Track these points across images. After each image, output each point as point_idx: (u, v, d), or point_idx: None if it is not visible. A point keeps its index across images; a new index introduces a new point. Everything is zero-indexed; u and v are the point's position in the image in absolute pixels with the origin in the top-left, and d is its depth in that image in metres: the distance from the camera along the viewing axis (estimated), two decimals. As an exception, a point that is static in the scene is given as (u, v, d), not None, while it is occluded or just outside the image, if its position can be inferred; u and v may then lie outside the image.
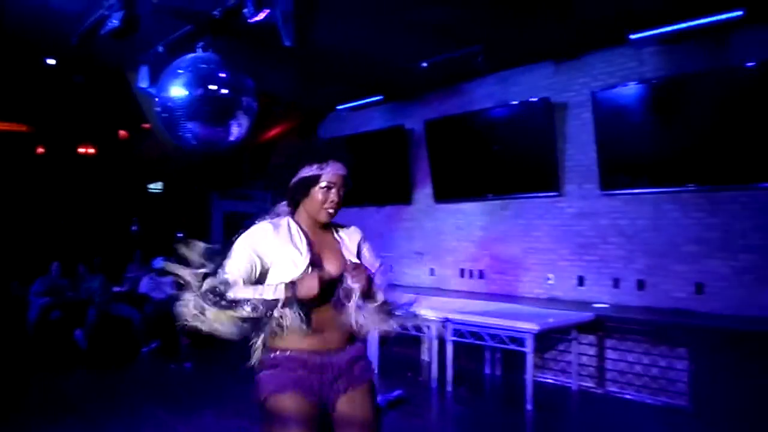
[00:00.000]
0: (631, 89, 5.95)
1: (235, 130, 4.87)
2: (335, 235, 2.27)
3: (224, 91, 4.81)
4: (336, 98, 8.64)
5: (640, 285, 6.04)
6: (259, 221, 2.17)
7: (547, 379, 5.97)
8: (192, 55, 5.17)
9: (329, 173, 2.10)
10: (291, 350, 2.08)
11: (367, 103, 8.54)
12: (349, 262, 2.15)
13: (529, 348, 5.03)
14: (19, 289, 7.62)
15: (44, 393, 5.70)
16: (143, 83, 6.18)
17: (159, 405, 5.15)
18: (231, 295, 1.95)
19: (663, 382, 5.19)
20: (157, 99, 5.19)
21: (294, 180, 2.12)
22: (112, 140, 10.28)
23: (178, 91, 4.84)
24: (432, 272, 8.07)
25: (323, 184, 2.10)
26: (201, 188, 11.08)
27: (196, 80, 4.81)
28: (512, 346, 5.18)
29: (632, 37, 5.56)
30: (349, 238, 2.29)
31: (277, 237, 2.09)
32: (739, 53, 5.36)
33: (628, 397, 5.40)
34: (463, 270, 7.73)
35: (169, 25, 5.67)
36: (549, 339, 5.82)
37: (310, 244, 2.14)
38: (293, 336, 2.03)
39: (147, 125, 8.45)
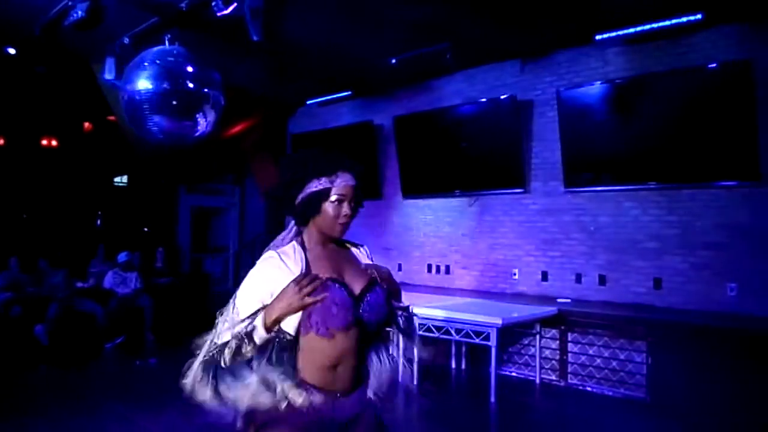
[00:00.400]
0: (595, 88, 6.07)
1: (202, 124, 4.84)
2: (350, 250, 2.10)
3: (191, 84, 4.77)
4: (305, 93, 8.62)
5: (602, 280, 6.19)
6: (268, 250, 1.96)
7: (511, 372, 6.08)
8: (158, 47, 5.12)
9: (340, 185, 1.91)
10: (302, 383, 1.83)
11: (336, 98, 8.54)
12: (371, 269, 2.00)
13: (493, 342, 5.11)
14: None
15: (4, 390, 5.59)
16: (108, 75, 6.09)
17: (123, 401, 5.10)
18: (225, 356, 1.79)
19: (622, 374, 5.33)
20: (122, 91, 5.12)
21: (302, 196, 1.92)
22: (76, 132, 10.08)
23: (143, 83, 4.79)
24: (400, 267, 8.12)
25: (334, 197, 1.90)
26: (168, 182, 10.94)
27: (163, 73, 4.75)
28: (477, 341, 5.25)
29: (598, 37, 5.69)
30: (361, 256, 2.11)
31: (284, 269, 1.87)
32: (701, 55, 5.53)
33: (589, 389, 5.52)
34: (431, 265, 7.81)
35: (134, 16, 5.60)
36: (513, 333, 5.92)
37: (331, 261, 1.96)
38: (306, 370, 1.84)
39: (112, 117, 8.32)
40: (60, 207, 9.87)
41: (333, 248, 2.01)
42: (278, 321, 1.78)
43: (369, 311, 1.88)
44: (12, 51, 6.62)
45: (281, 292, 1.78)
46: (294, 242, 1.98)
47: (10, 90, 8.44)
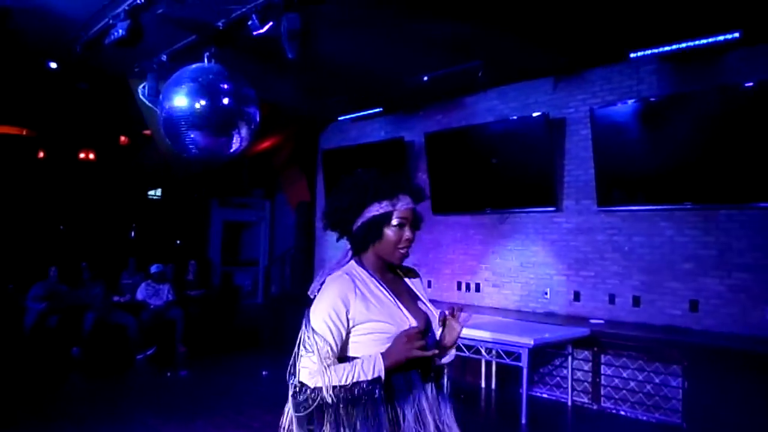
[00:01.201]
0: (629, 107, 6.01)
1: (237, 140, 4.91)
2: (404, 279, 2.00)
3: (227, 101, 4.85)
4: (337, 109, 8.70)
5: (636, 301, 6.08)
6: (326, 275, 1.86)
7: (542, 393, 5.98)
8: (196, 65, 5.22)
9: (401, 209, 1.84)
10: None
11: (367, 114, 8.60)
12: (440, 313, 1.91)
13: (524, 362, 5.05)
14: (16, 293, 7.62)
15: (39, 399, 5.70)
16: (146, 91, 6.22)
17: (152, 413, 5.15)
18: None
19: (657, 399, 5.21)
20: (160, 108, 5.23)
21: (362, 221, 1.83)
22: (113, 146, 10.33)
23: (181, 100, 4.88)
24: (429, 284, 8.09)
25: (395, 222, 1.82)
26: (200, 196, 11.11)
27: (200, 90, 4.84)
28: (507, 361, 5.19)
29: (632, 55, 5.63)
30: (416, 282, 2.03)
31: (357, 292, 1.79)
32: (736, 73, 5.43)
33: (622, 413, 5.40)
34: (460, 283, 7.76)
35: (173, 34, 5.73)
36: (544, 354, 5.83)
37: (392, 291, 1.87)
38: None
39: (148, 132, 8.50)
40: (95, 219, 10.08)
41: (391, 278, 1.93)
42: (389, 369, 1.72)
43: (432, 338, 1.88)
44: (53, 65, 6.81)
45: (395, 342, 1.73)
46: (354, 265, 1.89)
47: (52, 105, 8.69)
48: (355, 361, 1.73)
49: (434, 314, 1.94)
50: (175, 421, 4.92)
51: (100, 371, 6.75)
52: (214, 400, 5.58)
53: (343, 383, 1.68)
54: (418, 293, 1.97)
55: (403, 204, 1.85)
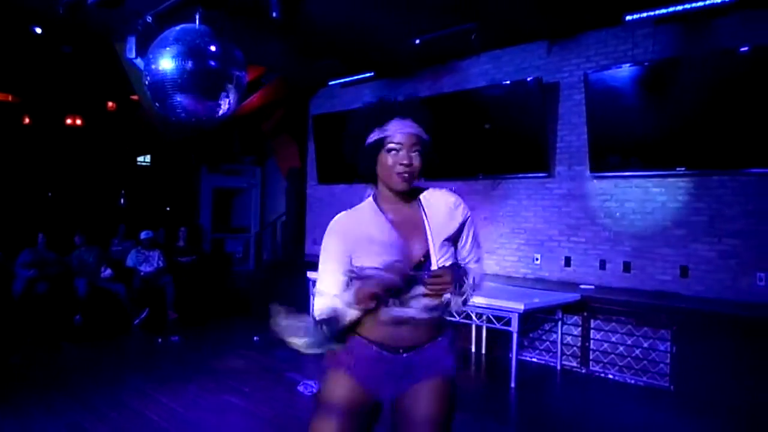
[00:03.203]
0: (624, 71, 5.93)
1: (225, 103, 4.82)
2: (423, 208, 1.92)
3: (214, 63, 4.74)
4: (327, 74, 8.55)
5: (626, 267, 6.10)
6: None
7: (532, 358, 6.04)
8: (182, 26, 5.09)
9: (392, 132, 1.81)
10: (364, 338, 1.88)
11: (358, 79, 8.45)
12: (428, 269, 1.85)
13: (514, 327, 5.07)
14: (4, 260, 7.56)
15: (28, 365, 5.71)
16: (131, 54, 6.08)
17: (144, 378, 5.16)
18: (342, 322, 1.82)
19: (645, 363, 5.26)
20: (145, 71, 5.11)
21: (361, 155, 1.87)
22: (100, 111, 10.16)
23: (167, 63, 4.77)
24: (420, 251, 8.07)
25: (388, 146, 1.81)
26: (190, 162, 11.01)
27: (186, 52, 4.73)
28: (498, 326, 5.22)
29: (628, 18, 5.53)
30: (442, 211, 1.91)
31: (353, 224, 1.88)
32: (732, 38, 5.35)
33: (610, 377, 5.47)
34: (452, 249, 7.76)
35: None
36: (534, 319, 5.87)
37: (391, 222, 1.88)
38: (368, 325, 1.87)
39: (135, 97, 8.35)
40: (84, 185, 9.98)
41: (402, 208, 1.91)
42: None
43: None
44: (38, 30, 6.64)
45: (356, 291, 1.77)
46: (369, 200, 1.93)
47: (36, 69, 8.51)
48: (337, 295, 1.83)
49: (436, 249, 1.87)
50: (168, 386, 4.93)
51: (92, 337, 6.74)
52: (205, 365, 5.60)
53: (315, 315, 1.85)
54: (428, 224, 1.89)
55: (396, 128, 1.82)
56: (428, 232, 1.87)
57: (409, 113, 1.85)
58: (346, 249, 1.86)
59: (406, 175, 1.81)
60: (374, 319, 1.84)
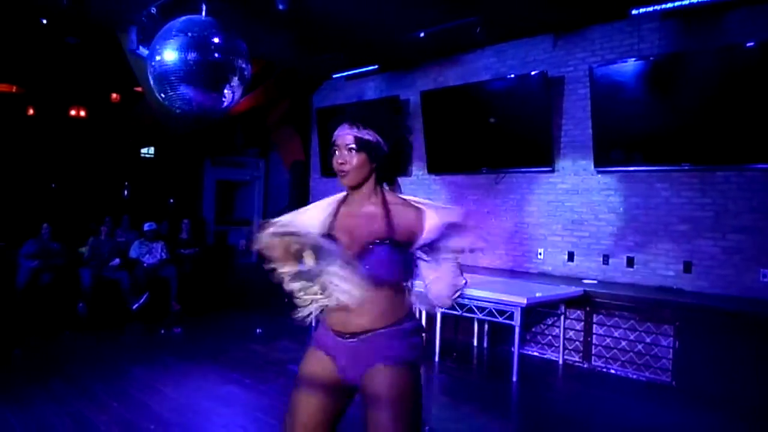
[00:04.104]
0: (629, 65, 5.90)
1: (228, 95, 4.81)
2: (385, 208, 2.04)
3: (218, 55, 4.73)
4: (331, 66, 8.53)
5: (630, 262, 6.08)
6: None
7: (534, 352, 6.03)
8: (186, 17, 5.08)
9: (335, 136, 2.05)
10: (325, 323, 2.09)
11: (362, 72, 8.44)
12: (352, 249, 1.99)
13: (516, 321, 5.07)
14: (8, 250, 7.57)
15: (31, 356, 5.72)
16: (133, 45, 6.08)
17: (147, 369, 5.18)
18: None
19: (648, 358, 5.26)
20: (149, 62, 5.11)
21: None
22: (104, 103, 10.15)
23: (171, 54, 4.76)
24: (423, 244, 8.06)
25: (333, 148, 2.06)
26: (193, 154, 11.00)
27: (190, 44, 4.72)
28: (500, 320, 5.21)
29: (634, 12, 5.51)
30: (404, 216, 2.01)
31: (317, 206, 2.14)
32: (738, 33, 5.33)
33: (612, 371, 5.46)
34: (455, 243, 7.73)
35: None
36: (537, 313, 5.87)
37: (337, 214, 2.09)
38: (326, 312, 2.05)
39: (139, 88, 8.34)
40: (87, 177, 9.98)
41: (362, 205, 2.07)
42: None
43: (371, 267, 1.94)
44: (44, 21, 6.62)
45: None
46: (341, 195, 2.15)
47: (41, 60, 8.50)
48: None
49: (374, 249, 1.98)
50: (170, 376, 4.95)
51: (95, 327, 6.76)
52: (208, 357, 5.60)
53: None
54: (378, 225, 2.00)
55: (339, 131, 2.05)
56: (370, 232, 1.99)
57: (357, 118, 2.04)
58: (296, 220, 2.10)
59: (342, 172, 2.02)
60: (329, 307, 1.99)
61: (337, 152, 2.04)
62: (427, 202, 2.05)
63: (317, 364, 2.05)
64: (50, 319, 6.82)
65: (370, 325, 1.97)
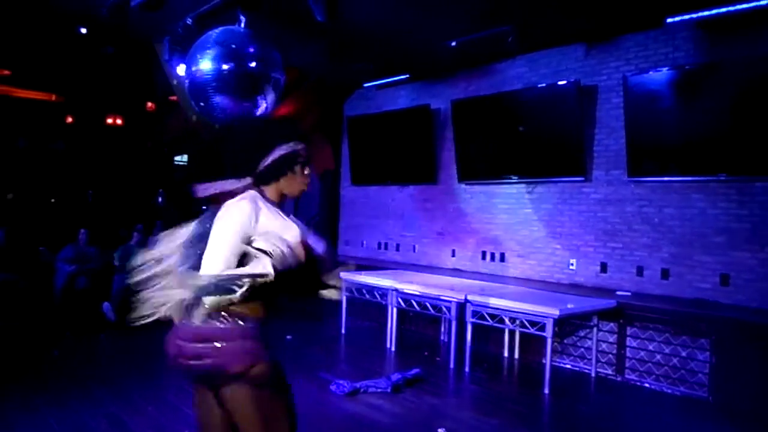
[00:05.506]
0: (663, 74, 5.82)
1: (263, 105, 4.87)
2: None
3: (253, 65, 4.79)
4: (362, 75, 8.59)
5: (665, 274, 5.98)
6: (228, 201, 2.18)
7: (566, 364, 5.96)
8: (221, 28, 5.16)
9: (303, 148, 2.25)
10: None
11: (393, 81, 8.48)
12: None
13: (548, 333, 5.02)
14: (48, 255, 7.77)
15: (69, 357, 5.85)
16: (166, 56, 6.20)
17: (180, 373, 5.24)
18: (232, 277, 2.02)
19: (683, 372, 5.16)
20: (185, 72, 5.20)
21: (272, 158, 2.22)
22: (140, 112, 10.38)
23: (207, 64, 4.83)
24: (453, 253, 8.06)
25: (301, 159, 2.25)
26: (225, 162, 11.14)
27: (225, 54, 4.79)
28: (532, 330, 5.17)
29: (669, 20, 5.45)
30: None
31: (261, 214, 2.13)
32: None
33: (647, 385, 5.37)
34: (485, 252, 7.71)
35: (198, -3, 5.68)
36: (569, 324, 5.80)
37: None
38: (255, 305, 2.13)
39: (174, 97, 8.50)
40: (123, 184, 10.20)
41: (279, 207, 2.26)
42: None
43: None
44: (83, 31, 6.80)
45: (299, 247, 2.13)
46: (257, 196, 2.18)
47: (79, 70, 8.73)
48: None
49: None
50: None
51: (129, 331, 6.86)
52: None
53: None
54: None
55: (302, 144, 2.27)
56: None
57: (305, 138, 2.39)
58: (248, 236, 2.14)
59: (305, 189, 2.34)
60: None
61: (307, 167, 2.31)
62: None
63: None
64: (86, 321, 6.97)
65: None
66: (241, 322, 2.06)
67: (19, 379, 5.01)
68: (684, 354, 5.16)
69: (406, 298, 6.27)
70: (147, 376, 5.11)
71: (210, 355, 2.02)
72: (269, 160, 2.21)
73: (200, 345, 2.04)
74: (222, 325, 2.03)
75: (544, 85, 6.86)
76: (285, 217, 2.22)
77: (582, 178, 6.61)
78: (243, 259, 2.07)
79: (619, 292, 6.05)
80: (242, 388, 2.04)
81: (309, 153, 2.27)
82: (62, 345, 6.24)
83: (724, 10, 5.14)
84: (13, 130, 9.36)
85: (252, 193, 2.18)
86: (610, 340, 5.66)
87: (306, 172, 2.27)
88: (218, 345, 2.02)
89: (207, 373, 2.06)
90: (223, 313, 2.03)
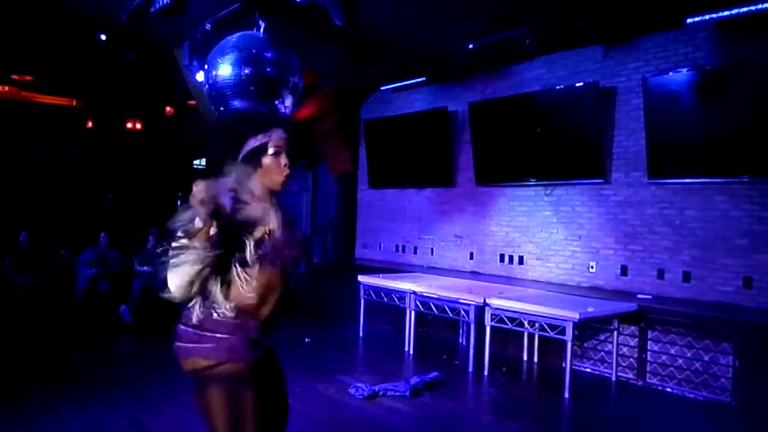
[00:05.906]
0: (683, 75, 5.76)
1: (282, 109, 4.89)
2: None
3: (271, 69, 4.82)
4: (379, 79, 8.60)
5: (686, 277, 5.90)
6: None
7: (586, 368, 5.91)
8: (240, 33, 5.19)
9: (275, 139, 2.14)
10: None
11: (410, 84, 8.48)
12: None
13: (568, 336, 4.98)
14: (69, 258, 7.87)
15: (91, 359, 5.91)
16: (186, 61, 6.26)
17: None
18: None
19: (706, 376, 5.08)
20: (204, 77, 5.24)
21: (242, 154, 2.16)
22: (159, 116, 10.47)
23: (225, 69, 4.87)
24: (471, 256, 8.03)
25: (272, 150, 2.14)
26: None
27: (244, 59, 4.82)
28: (551, 334, 5.13)
29: (689, 20, 5.39)
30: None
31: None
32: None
33: (668, 390, 5.30)
34: (503, 255, 7.67)
35: (216, 3, 5.72)
36: (589, 328, 5.75)
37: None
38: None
39: (193, 102, 8.57)
40: (143, 187, 10.30)
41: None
42: None
43: None
44: (103, 37, 6.89)
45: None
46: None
47: (100, 75, 8.83)
48: None
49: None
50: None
51: (150, 334, 6.93)
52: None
53: None
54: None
55: (277, 135, 2.15)
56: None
57: (281, 125, 2.21)
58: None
59: (288, 176, 2.18)
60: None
61: (282, 156, 2.15)
62: None
63: None
64: (108, 324, 7.04)
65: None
66: (235, 319, 2.07)
67: (41, 381, 5.08)
68: (706, 358, 5.09)
69: (425, 301, 6.26)
70: (166, 379, 5.14)
71: (192, 340, 2.10)
72: (240, 155, 2.17)
73: (192, 330, 2.11)
74: (216, 317, 2.06)
75: (562, 86, 6.81)
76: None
77: (601, 180, 6.55)
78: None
79: (639, 296, 5.99)
80: (214, 383, 2.10)
81: (284, 139, 2.16)
82: (83, 347, 6.31)
83: (744, 9, 5.08)
84: (36, 136, 9.50)
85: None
86: (631, 343, 5.59)
87: (283, 162, 2.15)
88: (204, 333, 2.07)
89: (187, 358, 2.15)
90: (224, 306, 2.06)
